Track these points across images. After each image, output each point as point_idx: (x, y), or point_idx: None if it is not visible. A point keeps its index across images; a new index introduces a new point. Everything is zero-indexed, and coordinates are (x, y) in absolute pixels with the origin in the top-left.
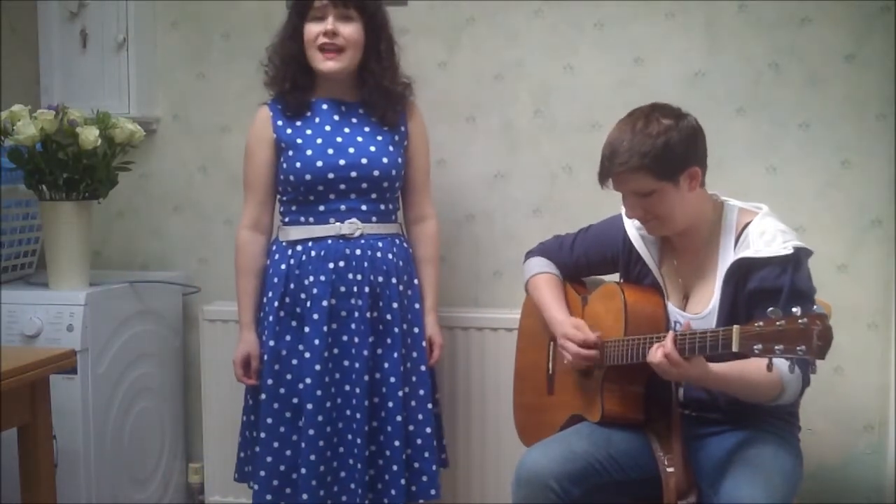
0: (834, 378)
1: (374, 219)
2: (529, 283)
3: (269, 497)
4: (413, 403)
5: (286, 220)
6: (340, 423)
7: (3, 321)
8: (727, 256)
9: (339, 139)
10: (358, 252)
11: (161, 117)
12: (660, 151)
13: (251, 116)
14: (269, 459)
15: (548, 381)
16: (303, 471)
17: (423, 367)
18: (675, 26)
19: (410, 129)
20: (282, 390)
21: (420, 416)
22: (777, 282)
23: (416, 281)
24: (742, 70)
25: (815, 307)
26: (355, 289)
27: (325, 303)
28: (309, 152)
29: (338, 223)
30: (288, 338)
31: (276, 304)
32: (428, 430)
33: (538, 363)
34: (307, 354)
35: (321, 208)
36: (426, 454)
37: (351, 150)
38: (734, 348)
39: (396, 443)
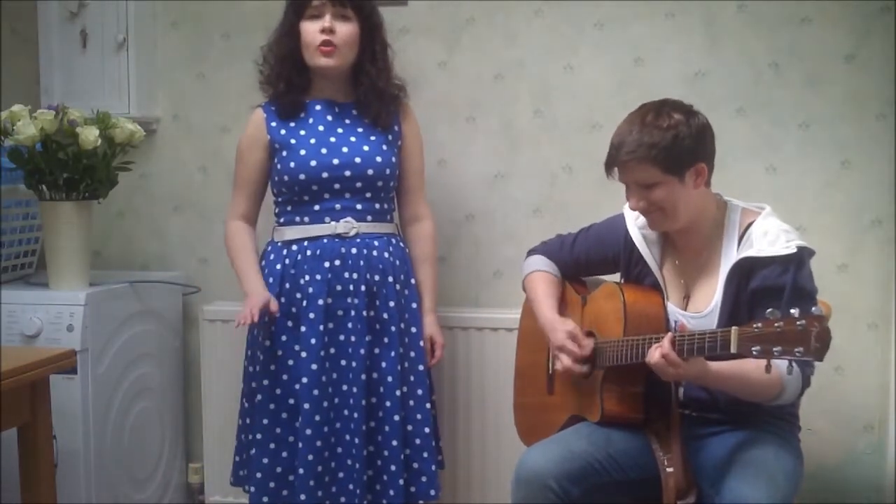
0: (834, 378)
1: (369, 218)
2: (526, 281)
3: (265, 499)
4: (411, 403)
5: (281, 220)
6: (338, 424)
7: (3, 321)
8: (730, 256)
9: (332, 139)
10: (354, 251)
11: (161, 117)
12: (668, 144)
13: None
14: (265, 461)
15: (548, 382)
16: (300, 471)
17: (420, 367)
18: (675, 26)
19: (404, 129)
20: (278, 391)
21: (418, 416)
22: (779, 281)
23: (413, 281)
24: (742, 70)
25: (815, 307)
26: (351, 287)
27: (321, 302)
28: (303, 152)
29: (333, 222)
30: (284, 338)
31: None
32: (426, 429)
33: (538, 363)
34: (304, 354)
35: (316, 208)
36: (425, 454)
37: (345, 149)
38: (732, 349)
39: (394, 442)
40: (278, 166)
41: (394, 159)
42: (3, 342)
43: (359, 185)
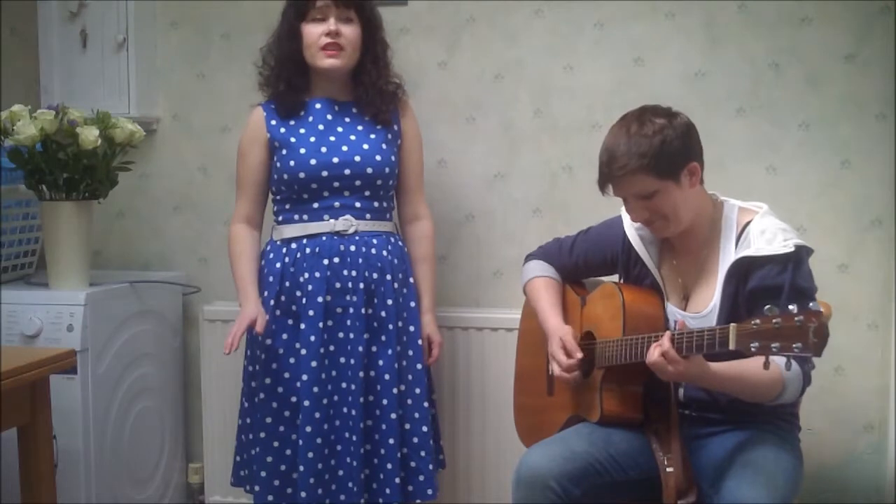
0: (834, 378)
1: (368, 216)
2: (527, 287)
3: (270, 498)
4: (409, 402)
5: (280, 218)
6: (337, 421)
7: (3, 321)
8: (728, 255)
9: (332, 137)
10: (353, 249)
11: (161, 117)
12: (658, 150)
13: None
14: (269, 460)
15: (548, 382)
16: (301, 469)
17: (418, 366)
18: (674, 26)
19: (404, 127)
20: (280, 389)
21: (416, 415)
22: (778, 279)
23: (411, 280)
24: (742, 70)
25: (812, 303)
26: (350, 285)
27: (320, 299)
28: (302, 150)
29: (332, 220)
30: (285, 336)
31: (271, 302)
32: (424, 428)
33: (538, 364)
34: (303, 351)
35: (315, 205)
36: (422, 453)
37: (344, 147)
38: (731, 346)
39: (391, 441)
40: (278, 164)
41: (393, 158)
42: (3, 342)
43: (358, 183)
